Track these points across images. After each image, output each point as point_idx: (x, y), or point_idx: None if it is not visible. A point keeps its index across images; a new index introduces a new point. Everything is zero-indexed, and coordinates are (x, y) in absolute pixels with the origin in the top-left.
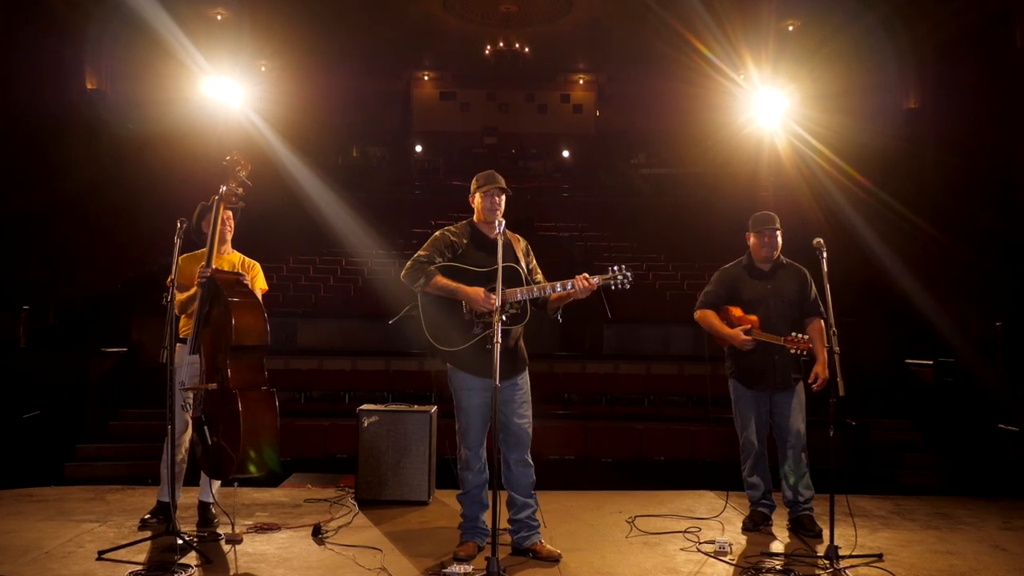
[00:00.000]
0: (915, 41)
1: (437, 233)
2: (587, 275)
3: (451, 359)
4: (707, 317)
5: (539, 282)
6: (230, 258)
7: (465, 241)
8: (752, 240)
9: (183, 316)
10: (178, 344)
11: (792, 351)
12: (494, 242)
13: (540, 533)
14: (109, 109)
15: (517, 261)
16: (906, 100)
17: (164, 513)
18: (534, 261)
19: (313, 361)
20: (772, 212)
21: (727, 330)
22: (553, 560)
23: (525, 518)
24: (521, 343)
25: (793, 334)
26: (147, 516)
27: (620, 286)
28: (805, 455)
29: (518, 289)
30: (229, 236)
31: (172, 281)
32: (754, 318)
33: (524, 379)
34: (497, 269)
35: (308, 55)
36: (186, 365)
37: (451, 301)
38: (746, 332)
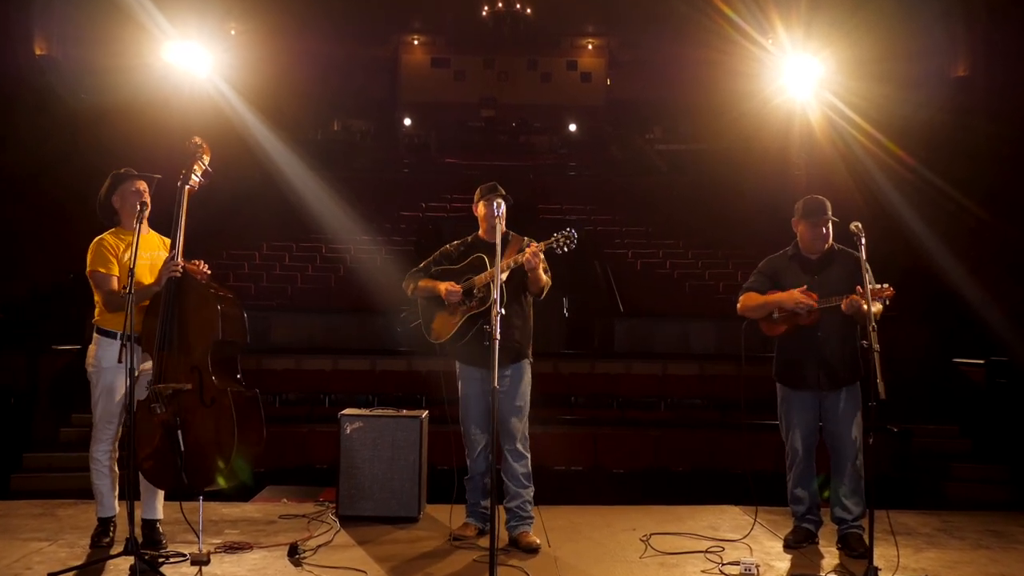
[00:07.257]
0: (964, 0)
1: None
2: (534, 242)
3: (448, 351)
4: (751, 297)
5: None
6: (148, 238)
7: (463, 249)
8: (801, 228)
9: (114, 312)
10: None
11: (844, 307)
12: (492, 246)
13: (530, 524)
14: (61, 77)
15: (493, 255)
16: (954, 67)
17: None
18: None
19: (289, 360)
20: (822, 197)
21: (776, 294)
22: (531, 551)
23: (515, 507)
24: (512, 333)
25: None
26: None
27: (562, 249)
28: (858, 466)
29: (483, 273)
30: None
31: (131, 270)
32: (815, 296)
33: (516, 370)
34: (470, 263)
35: (284, 17)
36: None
37: (438, 298)
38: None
